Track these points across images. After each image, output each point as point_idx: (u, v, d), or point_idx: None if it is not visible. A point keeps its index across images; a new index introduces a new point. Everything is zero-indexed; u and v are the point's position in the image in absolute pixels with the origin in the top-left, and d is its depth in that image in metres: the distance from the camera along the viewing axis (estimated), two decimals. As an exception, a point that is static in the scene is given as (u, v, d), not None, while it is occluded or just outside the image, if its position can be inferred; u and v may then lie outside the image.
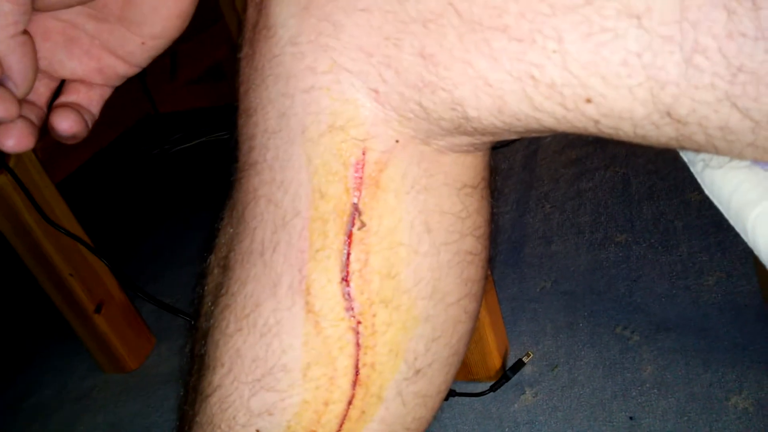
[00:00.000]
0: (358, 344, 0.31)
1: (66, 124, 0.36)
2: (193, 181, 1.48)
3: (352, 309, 0.30)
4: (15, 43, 0.32)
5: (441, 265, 0.32)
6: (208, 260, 0.38)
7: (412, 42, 0.26)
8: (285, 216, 0.31)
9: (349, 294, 0.30)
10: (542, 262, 0.96)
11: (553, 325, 0.85)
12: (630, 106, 0.25)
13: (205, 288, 0.38)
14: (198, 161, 1.54)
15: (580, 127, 0.27)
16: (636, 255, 0.91)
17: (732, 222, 0.32)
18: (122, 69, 0.38)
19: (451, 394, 0.77)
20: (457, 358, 0.35)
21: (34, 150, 0.88)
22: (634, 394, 0.73)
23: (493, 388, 0.77)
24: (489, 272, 0.77)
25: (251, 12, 0.32)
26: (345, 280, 0.30)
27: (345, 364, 0.31)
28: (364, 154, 0.29)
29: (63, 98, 0.38)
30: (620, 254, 0.92)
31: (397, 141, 0.29)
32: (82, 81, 0.38)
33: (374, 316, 0.31)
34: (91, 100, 0.38)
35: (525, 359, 0.79)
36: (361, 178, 0.29)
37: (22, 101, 0.34)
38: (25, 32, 0.32)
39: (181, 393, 0.40)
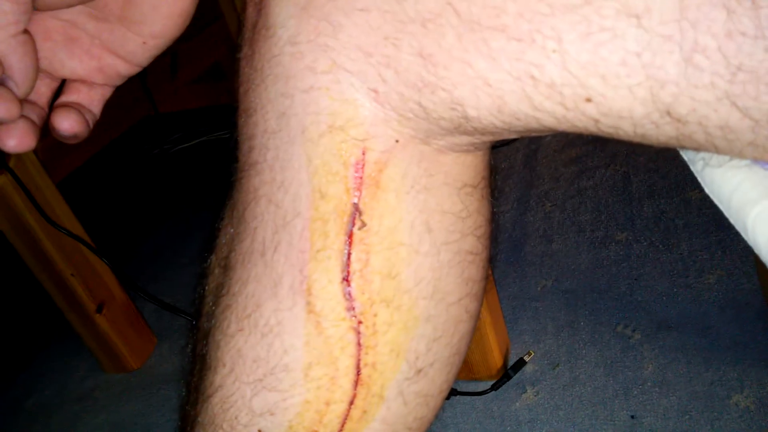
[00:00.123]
0: (359, 344, 0.31)
1: (67, 124, 0.36)
2: (193, 180, 1.48)
3: (353, 309, 0.30)
4: (16, 43, 0.32)
5: (442, 264, 0.32)
6: (209, 260, 0.38)
7: (411, 42, 0.26)
8: (285, 216, 0.31)
9: (350, 294, 0.30)
10: (543, 260, 0.96)
11: (554, 323, 0.85)
12: (630, 105, 0.25)
13: (206, 288, 0.38)
14: (198, 161, 1.54)
15: (579, 126, 0.27)
16: (637, 253, 0.91)
17: (732, 221, 0.32)
18: (123, 68, 0.38)
19: (453, 393, 0.77)
20: (458, 358, 0.35)
21: (34, 150, 0.88)
22: (635, 392, 0.73)
23: (494, 387, 0.77)
24: (490, 271, 0.78)
25: (250, 12, 0.32)
26: (346, 280, 0.30)
27: (346, 363, 0.31)
28: (364, 154, 0.29)
29: (64, 98, 0.38)
30: (621, 253, 0.92)
31: (396, 141, 0.29)
32: (82, 81, 0.38)
33: (375, 315, 0.31)
34: (92, 99, 0.38)
35: (526, 358, 0.80)
36: (361, 178, 0.29)
37: (23, 101, 0.34)
38: (26, 32, 0.32)
39: (183, 393, 0.40)
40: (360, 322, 0.31)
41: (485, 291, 0.37)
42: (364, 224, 0.30)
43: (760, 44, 0.22)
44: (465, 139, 0.30)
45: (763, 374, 0.70)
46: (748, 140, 0.24)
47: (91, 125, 0.38)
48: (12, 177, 0.82)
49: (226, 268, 0.35)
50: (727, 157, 0.29)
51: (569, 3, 0.24)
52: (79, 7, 0.36)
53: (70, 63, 0.37)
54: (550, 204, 1.07)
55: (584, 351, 0.80)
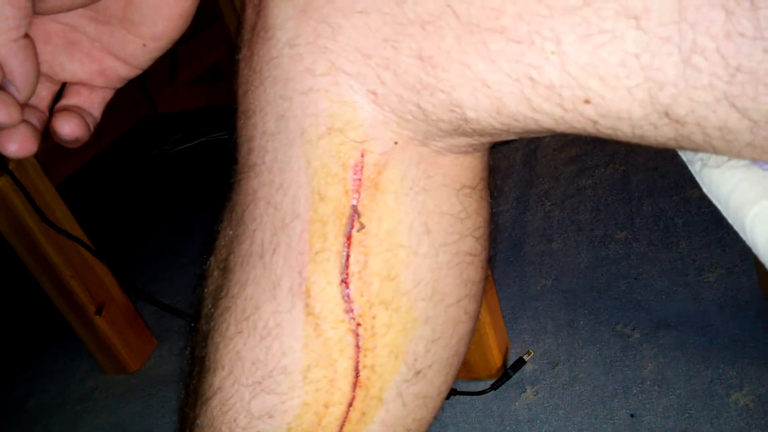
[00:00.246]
0: (358, 346, 0.31)
1: (68, 128, 0.36)
2: (193, 181, 1.48)
3: (352, 311, 0.30)
4: (17, 47, 0.32)
5: (440, 266, 0.32)
6: (208, 262, 0.38)
7: (410, 44, 0.26)
8: (284, 218, 0.31)
9: (348, 296, 0.30)
10: (542, 260, 0.96)
11: (553, 323, 0.85)
12: (628, 106, 0.25)
13: (205, 290, 0.38)
14: (198, 162, 1.54)
15: (578, 127, 0.27)
16: (636, 252, 0.91)
17: (731, 221, 0.32)
18: (124, 71, 0.38)
19: (452, 392, 0.77)
20: (457, 359, 0.35)
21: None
22: (634, 391, 0.73)
23: (494, 387, 0.78)
24: (489, 272, 0.77)
25: (249, 13, 0.32)
26: (344, 282, 0.30)
27: (345, 366, 0.31)
28: (362, 156, 0.29)
29: (64, 101, 0.38)
30: (620, 252, 0.92)
31: (395, 143, 0.29)
32: (83, 84, 0.38)
33: (374, 318, 0.31)
34: (93, 102, 0.38)
35: (526, 357, 0.80)
36: (360, 180, 0.29)
37: (23, 105, 0.34)
38: (27, 36, 0.32)
39: (182, 395, 0.40)
40: (359, 324, 0.31)
41: (484, 292, 0.37)
42: (362, 226, 0.30)
43: (759, 45, 0.22)
44: (463, 141, 0.30)
45: (762, 372, 0.70)
46: (746, 141, 0.24)
47: (92, 128, 0.38)
48: (11, 179, 0.82)
49: (225, 270, 0.35)
50: (725, 158, 0.29)
51: (568, 4, 0.24)
52: (79, 10, 0.35)
53: (71, 66, 0.37)
54: (549, 203, 1.08)
55: (584, 350, 0.80)
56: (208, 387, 0.34)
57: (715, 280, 0.83)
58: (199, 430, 0.35)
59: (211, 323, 0.35)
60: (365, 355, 0.31)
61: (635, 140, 0.27)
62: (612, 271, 0.90)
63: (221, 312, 0.34)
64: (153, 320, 1.06)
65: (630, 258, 0.91)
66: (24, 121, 0.34)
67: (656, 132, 0.25)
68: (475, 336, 0.76)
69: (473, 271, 0.34)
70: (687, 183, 0.98)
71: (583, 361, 0.79)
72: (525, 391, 0.78)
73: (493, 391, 0.78)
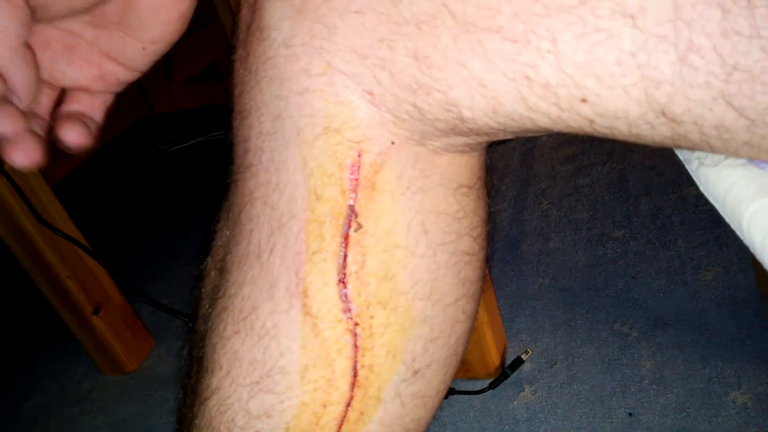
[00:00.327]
0: (356, 346, 0.31)
1: (73, 136, 0.36)
2: (190, 181, 1.48)
3: (350, 311, 0.30)
4: (17, 56, 0.31)
5: (438, 265, 0.32)
6: (205, 262, 0.38)
7: (406, 43, 0.26)
8: (281, 218, 0.31)
9: (346, 296, 0.30)
10: (540, 259, 0.96)
11: (551, 322, 0.85)
12: (625, 105, 0.25)
13: (203, 290, 0.38)
14: (195, 161, 1.54)
15: (575, 126, 0.27)
16: (633, 251, 0.91)
17: (728, 219, 0.32)
18: (123, 74, 0.38)
19: (451, 392, 0.77)
20: (455, 359, 0.35)
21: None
22: (632, 390, 0.73)
23: (492, 386, 0.78)
24: (487, 271, 0.77)
25: (245, 13, 0.31)
26: (342, 282, 0.30)
27: (343, 366, 0.31)
28: (359, 155, 0.29)
29: (65, 107, 0.38)
30: (618, 250, 0.92)
31: (392, 142, 0.29)
32: (83, 89, 0.38)
33: (372, 317, 0.30)
34: (94, 107, 0.38)
35: (524, 357, 0.80)
36: (356, 179, 0.29)
37: (26, 114, 0.34)
38: (26, 44, 0.32)
39: (180, 395, 0.40)
40: (356, 324, 0.30)
41: (482, 291, 0.37)
42: (360, 226, 0.30)
43: (755, 43, 0.22)
44: (460, 140, 0.30)
45: (760, 371, 0.70)
46: (743, 140, 0.24)
47: (95, 134, 0.38)
48: (8, 180, 0.82)
49: (222, 270, 0.35)
50: (722, 156, 0.29)
51: (564, 3, 0.24)
52: (77, 15, 0.35)
53: (70, 71, 0.37)
54: (546, 202, 1.08)
55: (581, 349, 0.80)
56: (206, 387, 0.34)
57: (712, 278, 0.83)
58: (197, 430, 0.35)
59: (209, 323, 0.35)
60: (363, 355, 0.31)
61: (632, 139, 0.27)
62: (609, 269, 0.90)
63: (219, 312, 0.34)
64: (150, 320, 1.06)
65: (627, 257, 0.91)
66: (29, 130, 0.34)
67: (653, 131, 0.25)
68: (473, 335, 0.76)
69: (471, 270, 0.34)
70: (684, 181, 0.99)
71: (581, 360, 0.79)
72: (523, 390, 0.78)
73: (491, 391, 0.78)
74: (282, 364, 0.31)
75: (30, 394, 1.04)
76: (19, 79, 0.32)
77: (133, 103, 1.37)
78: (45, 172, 0.90)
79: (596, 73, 0.24)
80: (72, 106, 0.38)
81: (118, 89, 0.39)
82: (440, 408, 0.36)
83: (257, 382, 0.32)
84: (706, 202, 0.33)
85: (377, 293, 0.30)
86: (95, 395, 0.99)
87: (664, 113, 0.24)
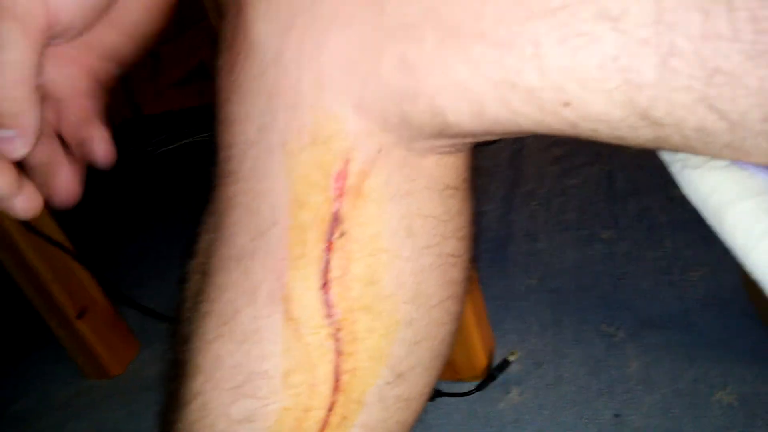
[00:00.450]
0: (338, 351, 0.30)
1: (101, 151, 0.36)
2: (177, 183, 1.47)
3: (332, 316, 0.30)
4: (32, 98, 0.31)
5: (423, 268, 0.32)
6: (189, 266, 0.38)
7: (392, 51, 0.26)
8: (263, 224, 0.30)
9: (329, 301, 0.30)
10: (528, 259, 0.97)
11: (539, 323, 0.86)
12: (607, 109, 0.25)
13: (186, 294, 0.37)
14: (183, 163, 1.53)
15: (558, 129, 0.27)
16: (621, 251, 0.92)
17: (710, 222, 0.32)
18: (111, 69, 0.37)
19: (437, 394, 0.77)
20: (440, 361, 0.35)
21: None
22: (619, 391, 0.73)
23: (479, 388, 0.77)
24: (473, 272, 0.77)
25: (229, 25, 0.31)
26: (325, 287, 0.30)
27: (325, 370, 0.31)
28: (346, 164, 0.29)
29: (74, 118, 0.37)
30: (605, 251, 0.93)
31: (380, 150, 0.29)
32: (76, 94, 0.37)
33: (355, 322, 0.30)
34: (97, 111, 0.38)
35: (511, 358, 0.80)
36: (342, 187, 0.29)
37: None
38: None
39: (163, 400, 0.40)
40: (339, 329, 0.30)
41: (467, 292, 0.36)
42: (344, 232, 0.29)
43: (736, 47, 0.22)
44: (446, 142, 0.30)
45: (745, 371, 0.70)
46: (724, 142, 0.25)
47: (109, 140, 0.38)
48: (-10, 182, 0.81)
49: (205, 274, 0.34)
50: (705, 158, 0.29)
51: (547, 7, 0.24)
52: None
53: (61, 78, 0.36)
54: (535, 203, 1.08)
55: (569, 350, 0.80)
56: (187, 391, 0.34)
57: (698, 278, 0.83)
58: (178, 435, 0.34)
59: (192, 327, 0.35)
60: (346, 360, 0.31)
61: (615, 141, 0.27)
62: (597, 270, 0.90)
63: (201, 316, 0.34)
64: (136, 324, 1.05)
65: (615, 257, 0.91)
66: (22, 180, 0.34)
67: (635, 133, 0.25)
68: (460, 336, 0.76)
69: (456, 272, 0.34)
70: (671, 182, 0.98)
71: (568, 361, 0.79)
72: (510, 391, 0.78)
73: (478, 392, 0.78)
74: (264, 368, 0.31)
75: (14, 398, 1.03)
76: (29, 122, 0.32)
77: (120, 104, 1.36)
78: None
79: (579, 77, 0.24)
80: (77, 115, 0.37)
81: (111, 84, 0.38)
82: (426, 410, 0.36)
83: (239, 387, 0.31)
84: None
85: (361, 298, 0.30)
86: (80, 400, 0.98)
87: (646, 116, 0.24)
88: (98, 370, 0.98)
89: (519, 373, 0.79)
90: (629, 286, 0.86)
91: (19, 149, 0.33)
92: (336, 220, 0.29)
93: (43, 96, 0.36)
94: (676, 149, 0.26)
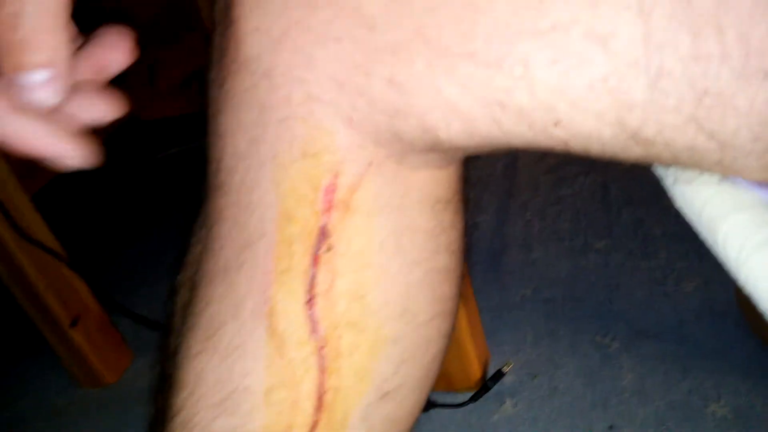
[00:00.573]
0: (322, 367, 0.30)
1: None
2: (173, 191, 1.46)
3: (317, 332, 0.30)
4: (62, 30, 0.27)
5: (412, 284, 0.31)
6: (179, 277, 0.37)
7: (382, 70, 0.26)
8: (250, 237, 0.30)
9: (313, 316, 0.30)
10: (523, 269, 0.96)
11: (533, 333, 0.85)
12: (598, 128, 0.25)
13: (176, 306, 0.37)
14: (179, 170, 1.53)
15: (549, 146, 0.27)
16: (615, 262, 0.91)
17: (703, 235, 0.32)
18: None
19: (431, 405, 0.77)
20: (429, 380, 0.34)
21: (7, 161, 0.87)
22: (613, 402, 0.73)
23: (473, 399, 0.77)
24: (468, 283, 0.77)
25: (221, 38, 0.31)
26: (310, 302, 0.30)
27: (309, 387, 0.30)
28: (336, 177, 0.29)
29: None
30: (600, 261, 0.93)
31: (370, 164, 0.29)
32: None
33: (340, 338, 0.30)
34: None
35: (505, 369, 0.79)
36: (331, 201, 0.29)
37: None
38: None
39: (151, 413, 0.39)
40: (323, 345, 0.30)
41: (458, 308, 0.36)
42: (331, 246, 0.29)
43: (725, 67, 0.22)
44: (438, 156, 0.30)
45: (739, 383, 0.70)
46: (714, 160, 0.25)
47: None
48: (-17, 190, 0.80)
49: (193, 286, 0.34)
50: (697, 173, 0.29)
51: (536, 28, 0.24)
52: None
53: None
54: (529, 213, 1.08)
55: (563, 361, 0.80)
56: (171, 405, 0.33)
57: (692, 290, 0.83)
58: (162, 451, 0.34)
59: (179, 339, 0.34)
60: (330, 377, 0.30)
61: (607, 157, 0.27)
62: (591, 280, 0.90)
63: (187, 329, 0.33)
64: (130, 333, 1.04)
65: (609, 268, 0.91)
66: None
67: (626, 151, 0.26)
68: (454, 347, 0.75)
69: (447, 288, 0.34)
70: (665, 193, 0.99)
71: (562, 372, 0.79)
72: (504, 403, 0.77)
73: (472, 404, 0.77)
74: (246, 384, 0.31)
75: (6, 406, 1.02)
76: (60, 60, 0.27)
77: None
78: (23, 181, 0.89)
79: (568, 97, 0.24)
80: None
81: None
82: (420, 421, 0.36)
83: (221, 403, 0.31)
84: (687, 214, 0.34)
85: (346, 313, 0.30)
86: (73, 408, 0.97)
87: (636, 136, 0.24)
88: (91, 378, 0.98)
89: (513, 384, 0.79)
90: (624, 297, 0.86)
91: (52, 96, 0.27)
92: (323, 233, 0.29)
93: None
94: (667, 165, 0.26)
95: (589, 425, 0.71)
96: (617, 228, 0.97)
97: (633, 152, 0.26)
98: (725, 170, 0.26)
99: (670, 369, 0.74)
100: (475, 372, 0.79)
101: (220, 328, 0.31)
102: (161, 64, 1.45)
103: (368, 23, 0.26)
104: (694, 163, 0.25)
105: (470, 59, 0.25)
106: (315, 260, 0.29)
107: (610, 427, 0.70)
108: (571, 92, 0.24)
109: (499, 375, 0.78)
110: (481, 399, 0.77)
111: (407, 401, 0.33)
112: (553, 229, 1.02)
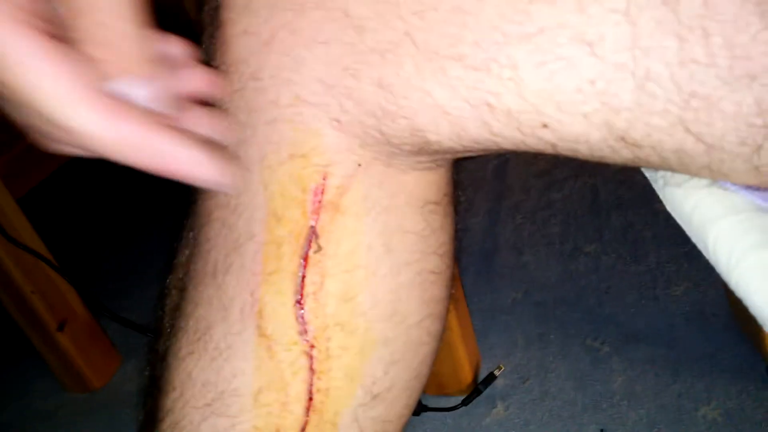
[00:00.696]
0: (311, 369, 0.30)
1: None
2: (160, 194, 1.45)
3: (306, 333, 0.30)
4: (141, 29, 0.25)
5: (401, 285, 0.31)
6: (168, 280, 0.37)
7: (370, 72, 0.26)
8: (239, 239, 0.30)
9: (302, 317, 0.29)
10: (513, 273, 0.96)
11: (524, 336, 0.85)
12: (585, 131, 0.25)
13: (165, 308, 0.37)
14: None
15: (538, 148, 0.27)
16: (605, 265, 0.92)
17: (694, 239, 0.32)
18: None
19: (423, 409, 0.77)
20: (419, 381, 0.34)
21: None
22: (604, 406, 0.73)
23: (464, 402, 0.77)
24: (459, 286, 0.77)
25: (208, 42, 0.31)
26: (299, 303, 0.29)
27: (298, 389, 0.30)
28: (324, 179, 0.29)
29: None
30: (590, 265, 0.93)
31: (359, 165, 0.29)
32: None
33: (329, 339, 0.30)
34: None
35: (496, 372, 0.79)
36: (320, 202, 0.29)
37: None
38: None
39: (140, 417, 0.39)
40: (312, 347, 0.30)
41: (448, 311, 0.36)
42: (320, 248, 0.29)
43: (711, 72, 0.22)
44: (427, 158, 0.30)
45: (729, 386, 0.70)
46: (702, 163, 0.25)
47: None
48: (-31, 192, 0.80)
49: (182, 289, 0.34)
50: (686, 176, 0.30)
51: (524, 32, 0.24)
52: None
53: None
54: (520, 216, 1.08)
55: (554, 364, 0.80)
56: (160, 408, 0.33)
57: (682, 293, 0.83)
58: (151, 455, 0.34)
59: (167, 342, 0.34)
60: (319, 378, 0.30)
61: (596, 160, 0.27)
62: (582, 284, 0.90)
63: (176, 331, 0.33)
64: (118, 337, 1.03)
65: (599, 271, 0.91)
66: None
67: (615, 154, 0.26)
68: (445, 350, 0.75)
69: (437, 289, 0.34)
70: (655, 196, 0.99)
71: (553, 375, 0.79)
72: (496, 406, 0.77)
73: (463, 407, 0.77)
74: (235, 386, 0.30)
75: (-7, 412, 1.01)
76: (144, 64, 0.25)
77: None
78: (10, 184, 0.88)
79: (556, 100, 0.24)
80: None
81: None
82: (411, 424, 0.35)
83: (209, 405, 0.31)
84: (677, 217, 0.33)
85: (335, 315, 0.30)
86: (60, 413, 0.96)
87: (623, 138, 0.25)
88: (79, 383, 0.97)
89: (504, 388, 0.79)
90: (614, 300, 0.86)
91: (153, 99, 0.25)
92: (312, 234, 0.29)
93: None
94: (656, 168, 0.27)
95: (579, 428, 0.71)
96: (607, 231, 0.98)
97: (621, 155, 0.26)
98: (713, 174, 0.26)
99: (660, 372, 0.74)
100: (467, 375, 0.79)
101: (208, 329, 0.31)
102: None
103: (357, 26, 0.26)
104: (682, 166, 0.25)
105: (459, 62, 0.25)
106: (304, 261, 0.29)
107: (601, 430, 0.70)
108: (559, 95, 0.24)
109: (490, 378, 0.78)
110: (472, 402, 0.77)
111: (397, 403, 0.33)
112: (544, 232, 1.02)
